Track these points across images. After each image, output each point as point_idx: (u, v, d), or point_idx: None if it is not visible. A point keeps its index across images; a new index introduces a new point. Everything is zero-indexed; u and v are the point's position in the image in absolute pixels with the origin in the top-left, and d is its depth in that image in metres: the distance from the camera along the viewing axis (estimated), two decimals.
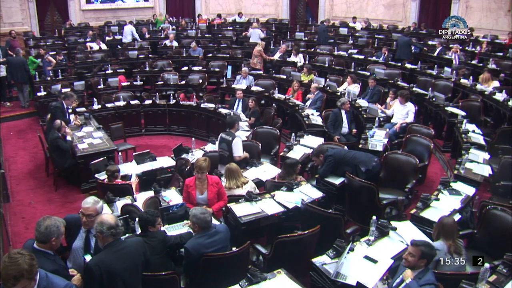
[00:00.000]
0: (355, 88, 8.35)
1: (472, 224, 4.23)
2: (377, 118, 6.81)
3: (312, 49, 12.10)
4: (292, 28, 15.38)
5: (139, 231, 3.72)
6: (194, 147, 6.09)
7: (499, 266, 3.34)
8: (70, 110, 7.42)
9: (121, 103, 8.46)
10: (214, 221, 3.88)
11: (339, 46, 11.90)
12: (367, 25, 14.23)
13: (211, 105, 8.17)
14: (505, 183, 4.98)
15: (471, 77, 8.57)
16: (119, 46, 12.84)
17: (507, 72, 8.84)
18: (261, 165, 5.53)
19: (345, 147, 5.65)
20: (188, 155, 5.88)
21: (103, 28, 14.68)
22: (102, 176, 5.26)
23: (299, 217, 4.35)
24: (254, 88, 8.92)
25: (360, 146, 6.00)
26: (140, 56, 11.55)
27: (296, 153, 5.83)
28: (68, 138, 6.33)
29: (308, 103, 7.99)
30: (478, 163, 5.20)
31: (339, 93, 8.20)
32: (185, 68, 10.89)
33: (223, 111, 7.79)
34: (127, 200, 4.52)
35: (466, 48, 11.26)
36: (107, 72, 10.40)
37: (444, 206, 4.21)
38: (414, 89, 8.29)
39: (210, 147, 6.16)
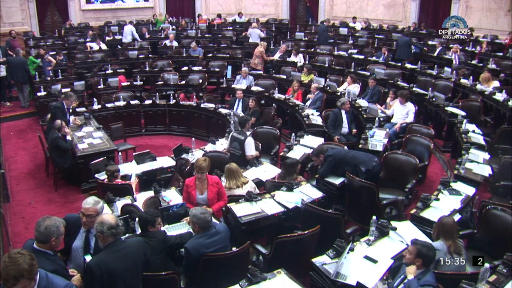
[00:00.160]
0: (355, 88, 8.35)
1: (472, 224, 4.23)
2: (377, 118, 6.81)
3: (312, 49, 12.10)
4: (292, 28, 15.38)
5: (139, 231, 3.72)
6: (194, 147, 6.09)
7: (499, 266, 3.34)
8: (70, 110, 7.42)
9: (121, 103, 8.46)
10: (214, 221, 3.88)
11: (339, 46, 11.89)
12: (367, 25, 14.23)
13: (211, 105, 8.17)
14: (505, 183, 4.98)
15: (471, 77, 8.57)
16: (119, 46, 12.84)
17: (507, 72, 8.84)
18: (261, 165, 5.53)
19: (345, 147, 5.65)
20: (188, 155, 5.87)
21: (103, 28, 14.68)
22: (102, 176, 5.26)
23: (299, 217, 4.35)
24: (254, 88, 8.93)
25: (360, 146, 6.00)
26: (140, 56, 11.55)
27: (296, 153, 5.83)
28: (68, 138, 6.33)
29: (308, 103, 7.99)
30: (478, 163, 5.20)
31: (339, 93, 8.20)
32: (185, 68, 10.89)
33: (223, 111, 7.79)
34: (127, 200, 4.52)
35: (466, 48, 11.26)
36: (107, 72, 10.40)
37: (444, 206, 4.22)
38: (414, 89, 8.29)
39: (210, 147, 6.16)
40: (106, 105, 8.33)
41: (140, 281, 3.11)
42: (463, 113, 6.94)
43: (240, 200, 4.34)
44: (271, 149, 6.33)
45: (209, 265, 3.41)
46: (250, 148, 5.62)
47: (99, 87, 9.51)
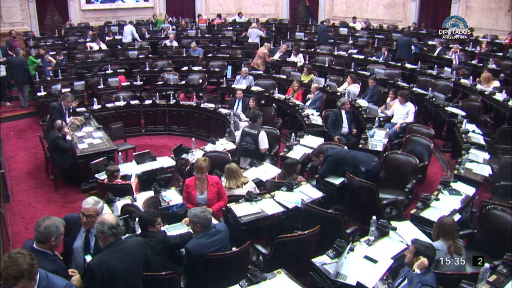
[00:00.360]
0: (355, 88, 8.35)
1: (472, 224, 4.23)
2: (377, 118, 6.81)
3: (312, 49, 12.10)
4: (292, 28, 15.38)
5: (139, 231, 3.72)
6: (194, 147, 6.09)
7: (499, 266, 3.34)
8: (71, 110, 7.42)
9: (121, 103, 8.46)
10: (214, 221, 3.88)
11: (339, 46, 11.89)
12: (367, 25, 14.23)
13: (211, 105, 8.17)
14: (505, 183, 4.98)
15: (471, 77, 8.57)
16: (119, 46, 12.84)
17: (507, 72, 8.84)
18: (261, 165, 5.53)
19: (345, 147, 5.65)
20: (188, 155, 5.87)
21: (103, 28, 14.68)
22: (102, 176, 5.26)
23: (299, 217, 4.35)
24: (254, 88, 8.92)
25: (360, 146, 6.00)
26: (140, 56, 11.55)
27: (296, 153, 5.83)
28: (68, 138, 6.32)
29: (308, 103, 7.99)
30: (478, 163, 5.20)
31: (339, 93, 8.20)
32: (185, 68, 10.89)
33: (223, 111, 7.79)
34: (127, 200, 4.52)
35: (466, 48, 11.27)
36: (107, 72, 10.39)
37: (444, 206, 4.21)
38: (414, 89, 8.29)
39: (210, 147, 6.16)
40: (106, 105, 8.33)
41: (140, 281, 3.11)
42: (463, 113, 6.93)
43: (240, 200, 4.34)
44: (271, 149, 6.32)
45: (209, 265, 3.41)
46: (264, 141, 5.77)
47: (99, 87, 9.51)
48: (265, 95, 8.79)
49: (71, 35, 13.66)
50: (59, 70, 10.38)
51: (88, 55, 11.49)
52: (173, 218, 4.13)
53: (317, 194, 4.61)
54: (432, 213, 4.09)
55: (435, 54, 10.64)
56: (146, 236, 3.45)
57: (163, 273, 3.26)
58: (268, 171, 5.39)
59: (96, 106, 8.22)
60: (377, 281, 3.21)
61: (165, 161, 5.87)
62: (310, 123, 6.97)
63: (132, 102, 8.53)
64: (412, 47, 10.82)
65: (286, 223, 4.36)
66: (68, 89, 9.04)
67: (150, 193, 4.71)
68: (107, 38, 13.32)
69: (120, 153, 6.23)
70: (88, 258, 3.33)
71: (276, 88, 8.83)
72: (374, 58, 10.54)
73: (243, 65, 10.55)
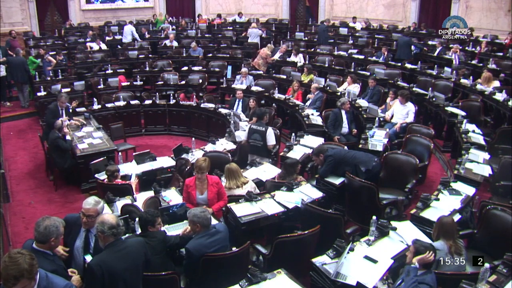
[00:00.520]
0: (355, 88, 8.35)
1: (472, 224, 4.23)
2: (377, 118, 6.81)
3: (312, 49, 12.10)
4: (292, 28, 15.38)
5: (139, 231, 3.72)
6: (194, 147, 6.09)
7: (499, 266, 3.34)
8: (70, 110, 7.42)
9: (121, 103, 8.46)
10: (214, 221, 3.88)
11: (339, 46, 11.89)
12: (367, 25, 14.23)
13: (211, 105, 8.17)
14: (505, 183, 4.98)
15: (471, 77, 8.57)
16: (119, 46, 12.84)
17: (507, 72, 8.84)
18: (261, 165, 5.53)
19: (345, 147, 5.65)
20: (188, 155, 5.88)
21: (103, 28, 14.68)
22: (102, 176, 5.26)
23: (299, 217, 4.35)
24: (254, 88, 8.93)
25: (360, 146, 6.00)
26: (140, 56, 11.55)
27: (296, 153, 5.83)
28: (68, 137, 6.32)
29: (308, 103, 7.99)
30: (478, 163, 5.20)
31: (339, 93, 8.20)
32: (185, 68, 10.89)
33: (223, 111, 7.79)
34: (127, 200, 4.52)
35: (466, 48, 11.26)
36: (107, 72, 10.39)
37: (444, 206, 4.21)
38: (414, 89, 8.29)
39: (210, 147, 6.16)
40: (106, 105, 8.33)
41: (140, 281, 3.11)
42: (463, 113, 6.93)
43: (240, 200, 4.34)
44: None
45: (209, 265, 3.41)
46: (272, 138, 5.86)
47: (99, 87, 9.51)
48: (265, 95, 8.80)
49: (71, 35, 13.66)
50: (59, 70, 10.38)
51: (88, 55, 11.49)
52: (173, 218, 4.13)
53: (317, 194, 4.61)
54: (432, 213, 4.09)
55: (435, 54, 10.64)
56: (146, 236, 3.45)
57: (163, 273, 3.26)
58: (268, 171, 5.39)
59: (96, 106, 8.22)
60: (377, 281, 3.21)
61: (165, 161, 5.87)
62: (310, 123, 6.97)
63: (132, 102, 8.53)
64: (412, 47, 10.82)
65: (286, 223, 4.36)
66: (68, 89, 9.06)
67: (150, 193, 4.71)
68: (107, 38, 13.32)
69: (120, 153, 6.23)
70: (88, 258, 3.33)
71: (276, 88, 8.83)
72: (374, 58, 10.54)
73: (243, 65, 10.55)
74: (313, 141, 6.19)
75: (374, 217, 3.79)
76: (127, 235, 3.59)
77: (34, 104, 9.59)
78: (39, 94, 8.97)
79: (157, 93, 9.02)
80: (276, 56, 11.09)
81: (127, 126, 8.03)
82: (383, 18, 14.93)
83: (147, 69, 10.60)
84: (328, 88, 8.54)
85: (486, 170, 5.05)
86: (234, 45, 13.02)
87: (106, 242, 2.99)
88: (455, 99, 8.10)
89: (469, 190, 4.57)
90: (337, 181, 5.01)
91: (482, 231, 4.06)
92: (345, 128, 6.82)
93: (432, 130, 6.49)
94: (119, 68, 10.90)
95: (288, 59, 10.82)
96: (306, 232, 3.77)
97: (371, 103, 7.68)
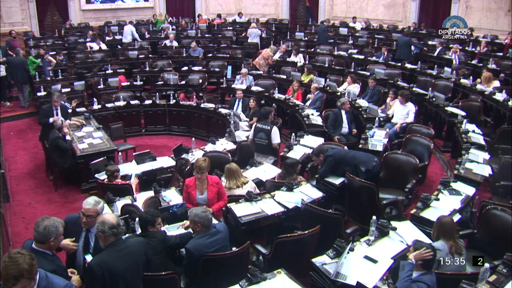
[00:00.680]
0: (355, 88, 8.35)
1: (472, 224, 4.23)
2: (377, 118, 6.81)
3: (312, 49, 12.10)
4: (292, 28, 15.38)
5: (139, 231, 3.72)
6: (194, 147, 6.09)
7: (499, 266, 3.34)
8: (69, 110, 7.41)
9: (121, 103, 8.45)
10: (214, 221, 3.88)
11: (339, 46, 11.89)
12: (367, 25, 14.23)
13: (211, 105, 8.17)
14: (505, 183, 4.98)
15: (471, 77, 8.57)
16: (119, 46, 12.84)
17: (507, 72, 8.84)
18: (261, 165, 5.54)
19: (345, 147, 5.65)
20: (188, 155, 5.88)
21: (103, 28, 14.68)
22: (102, 176, 5.26)
23: (299, 217, 4.35)
24: (254, 88, 8.93)
25: (360, 146, 6.00)
26: (140, 56, 11.55)
27: (296, 153, 5.83)
28: (68, 138, 6.32)
29: (308, 103, 7.99)
30: (478, 163, 5.20)
31: (339, 93, 8.20)
32: (185, 68, 10.89)
33: (223, 111, 7.79)
34: (127, 200, 4.52)
35: (466, 48, 11.26)
36: (107, 72, 10.39)
37: (444, 206, 4.21)
38: (414, 89, 8.29)
39: (210, 147, 6.16)
40: (106, 105, 8.33)
41: (141, 281, 3.11)
42: (463, 113, 6.93)
43: (240, 200, 4.34)
44: None
45: (209, 265, 3.41)
46: (276, 136, 5.98)
47: (99, 87, 9.51)
48: (265, 95, 8.80)
49: (71, 35, 13.66)
50: (59, 70, 10.38)
51: (88, 55, 11.49)
52: (173, 218, 4.13)
53: (317, 194, 4.61)
54: (432, 213, 4.08)
55: (435, 54, 10.64)
56: (146, 236, 3.45)
57: (163, 273, 3.26)
58: (268, 171, 5.39)
59: (96, 106, 8.22)
60: (377, 281, 3.21)
61: (165, 161, 5.87)
62: (310, 123, 6.97)
63: (132, 102, 8.53)
64: (412, 47, 10.82)
65: (286, 223, 4.36)
66: (68, 89, 9.07)
67: (150, 193, 4.71)
68: (107, 38, 13.32)
69: (120, 153, 6.23)
70: (88, 257, 3.33)
71: (276, 88, 8.83)
72: (374, 58, 10.54)
73: (243, 65, 10.55)
74: (313, 141, 6.19)
75: (374, 217, 3.79)
76: (127, 235, 3.59)
77: (34, 104, 9.59)
78: (39, 94, 8.98)
79: (157, 93, 9.02)
80: (276, 56, 11.09)
81: (127, 126, 8.03)
82: (383, 18, 14.93)
83: (147, 69, 10.60)
84: (328, 88, 8.54)
85: (486, 170, 5.04)
86: (234, 45, 13.02)
87: (106, 242, 2.99)
88: (455, 99, 8.10)
89: (469, 190, 4.57)
90: (337, 181, 5.01)
91: (482, 231, 4.06)
92: (345, 128, 6.81)
93: (432, 130, 6.49)
94: (119, 68, 10.90)
95: (288, 59, 10.82)
96: (306, 232, 3.77)
97: (371, 103, 7.68)
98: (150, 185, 4.92)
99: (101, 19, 15.67)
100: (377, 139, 6.15)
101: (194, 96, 8.62)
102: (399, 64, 10.02)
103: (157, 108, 8.58)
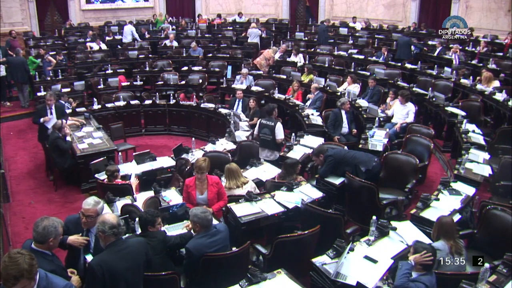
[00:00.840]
0: (355, 88, 8.35)
1: (472, 224, 4.23)
2: (377, 118, 6.81)
3: (312, 49, 12.10)
4: (292, 28, 15.39)
5: (139, 231, 3.72)
6: (194, 147, 6.09)
7: (499, 266, 3.34)
8: (69, 110, 7.40)
9: (121, 103, 8.46)
10: (214, 221, 3.88)
11: (339, 46, 11.90)
12: (367, 25, 14.23)
13: (211, 105, 8.17)
14: (505, 183, 4.98)
15: (471, 77, 8.57)
16: (119, 46, 12.84)
17: (507, 72, 8.84)
18: (261, 165, 5.54)
19: (345, 147, 5.65)
20: (188, 155, 5.88)
21: (103, 28, 14.69)
22: (102, 176, 5.26)
23: (299, 217, 4.35)
24: (254, 88, 8.93)
25: (360, 146, 6.00)
26: (140, 56, 11.55)
27: (296, 153, 5.83)
28: (68, 138, 6.31)
29: (308, 103, 7.99)
30: (478, 163, 5.20)
31: (339, 93, 8.20)
32: (185, 68, 10.89)
33: (223, 111, 7.79)
34: (127, 200, 4.52)
35: (466, 48, 11.26)
36: (107, 72, 10.40)
37: (444, 206, 4.21)
38: (414, 89, 8.29)
39: (210, 147, 6.16)
40: (106, 105, 8.33)
41: (141, 281, 3.12)
42: (463, 113, 6.93)
43: (240, 200, 4.34)
44: None
45: (209, 265, 3.40)
46: (280, 132, 6.02)
47: (99, 87, 9.51)
48: (265, 95, 8.80)
49: (71, 35, 13.66)
50: (59, 70, 10.38)
51: (88, 55, 11.49)
52: (173, 218, 4.13)
53: (317, 194, 4.61)
54: (432, 213, 4.08)
55: (435, 54, 10.64)
56: (146, 236, 3.44)
57: (163, 273, 3.26)
58: (268, 171, 5.39)
59: (96, 106, 8.22)
60: (377, 281, 3.21)
61: (165, 161, 5.87)
62: (310, 123, 6.97)
63: (132, 102, 8.53)
64: (412, 47, 10.82)
65: (286, 223, 4.36)
66: (68, 89, 9.07)
67: (150, 193, 4.71)
68: (107, 38, 13.32)
69: (120, 153, 6.23)
70: (89, 257, 3.33)
71: (276, 88, 8.83)
72: (374, 58, 10.54)
73: (243, 65, 10.56)
74: (313, 141, 6.19)
75: (374, 217, 3.79)
76: (127, 235, 3.59)
77: (34, 104, 9.57)
78: (39, 94, 8.96)
79: (157, 93, 9.02)
80: (276, 56, 11.09)
81: (127, 126, 8.03)
82: (383, 18, 14.93)
83: (147, 69, 10.60)
84: (328, 88, 8.54)
85: (486, 170, 5.04)
86: (234, 45, 13.03)
87: (107, 242, 2.99)
88: (455, 99, 8.10)
89: (469, 190, 4.57)
90: (337, 181, 5.01)
91: (482, 231, 4.06)
92: (345, 128, 6.81)
93: (432, 130, 6.49)
94: (119, 68, 10.91)
95: (288, 59, 10.83)
96: (306, 232, 3.77)
97: (371, 103, 7.68)
98: (150, 185, 4.92)
99: (101, 19, 15.67)
100: (377, 139, 6.14)
101: (194, 96, 8.62)
102: (399, 64, 10.02)
103: (157, 108, 8.58)
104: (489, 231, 3.99)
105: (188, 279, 3.53)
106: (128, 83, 9.86)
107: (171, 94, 8.84)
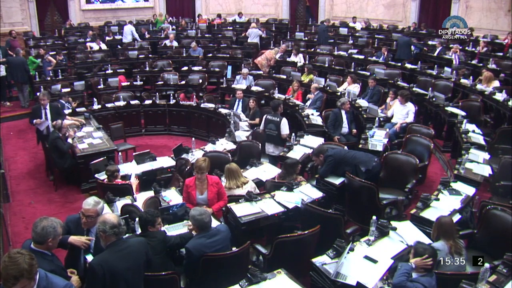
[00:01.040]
0: (355, 88, 8.35)
1: (472, 224, 4.23)
2: (377, 118, 6.81)
3: (312, 49, 12.10)
4: (292, 28, 15.39)
5: (139, 231, 3.72)
6: (194, 147, 6.09)
7: (499, 266, 3.34)
8: (69, 110, 7.40)
9: (121, 103, 8.46)
10: (214, 221, 3.88)
11: (339, 46, 11.90)
12: (367, 25, 14.23)
13: (211, 105, 8.17)
14: (505, 183, 4.98)
15: (471, 77, 8.57)
16: (119, 46, 12.85)
17: (507, 72, 8.84)
18: (261, 165, 5.54)
19: (345, 147, 5.65)
20: (188, 155, 5.88)
21: (103, 28, 14.69)
22: (102, 176, 5.26)
23: (299, 217, 4.35)
24: (254, 88, 8.93)
25: (360, 146, 5.99)
26: (140, 56, 11.56)
27: (296, 153, 5.83)
28: (69, 140, 6.30)
29: (308, 103, 7.99)
30: (478, 163, 5.19)
31: (339, 93, 8.20)
32: (185, 68, 10.89)
33: (223, 111, 7.79)
34: (127, 200, 4.52)
35: (466, 48, 11.27)
36: (107, 72, 10.40)
37: (444, 206, 4.21)
38: (414, 89, 8.29)
39: (210, 147, 6.16)
40: (106, 105, 8.33)
41: (142, 281, 3.12)
42: (463, 113, 6.93)
43: (240, 200, 4.34)
44: None
45: (209, 265, 3.40)
46: (285, 127, 6.14)
47: (99, 87, 9.52)
48: (265, 95, 8.79)
49: (71, 35, 13.66)
50: (59, 70, 10.39)
51: (88, 55, 11.50)
52: (173, 218, 4.13)
53: (317, 194, 4.61)
54: (432, 213, 4.08)
55: (435, 54, 10.64)
56: (146, 236, 3.44)
57: (163, 273, 3.26)
58: (268, 171, 5.39)
59: (96, 106, 8.23)
60: (377, 281, 3.21)
61: (165, 161, 5.87)
62: (310, 123, 6.97)
63: (132, 102, 8.53)
64: (412, 47, 10.82)
65: (286, 223, 4.36)
66: (68, 89, 9.08)
67: (150, 193, 4.71)
68: (107, 38, 13.32)
69: (120, 153, 6.23)
70: (89, 257, 3.33)
71: (276, 88, 8.82)
72: (374, 58, 10.55)
73: (243, 65, 10.56)
74: (313, 141, 6.19)
75: (374, 217, 3.79)
76: (127, 235, 3.59)
77: (34, 104, 9.58)
78: (39, 94, 8.95)
79: (157, 93, 9.02)
80: (277, 56, 11.09)
81: (127, 126, 8.03)
82: (383, 18, 14.93)
83: (147, 69, 10.61)
84: (328, 88, 8.54)
85: (486, 170, 5.04)
86: (234, 45, 13.03)
87: (107, 241, 2.99)
88: (455, 99, 8.10)
89: (469, 190, 4.57)
90: (337, 181, 5.01)
91: (482, 231, 4.06)
92: (345, 128, 6.81)
93: (432, 130, 6.49)
94: (119, 68, 10.91)
95: (288, 59, 10.83)
96: (306, 232, 3.76)
97: (371, 103, 7.68)
98: (150, 185, 4.92)
99: (101, 19, 15.68)
100: (377, 139, 6.14)
101: (194, 96, 8.63)
102: (399, 64, 10.02)
103: (157, 108, 8.58)
104: (489, 231, 3.99)
105: (188, 279, 3.53)
106: (128, 83, 9.86)
107: (171, 94, 8.84)
